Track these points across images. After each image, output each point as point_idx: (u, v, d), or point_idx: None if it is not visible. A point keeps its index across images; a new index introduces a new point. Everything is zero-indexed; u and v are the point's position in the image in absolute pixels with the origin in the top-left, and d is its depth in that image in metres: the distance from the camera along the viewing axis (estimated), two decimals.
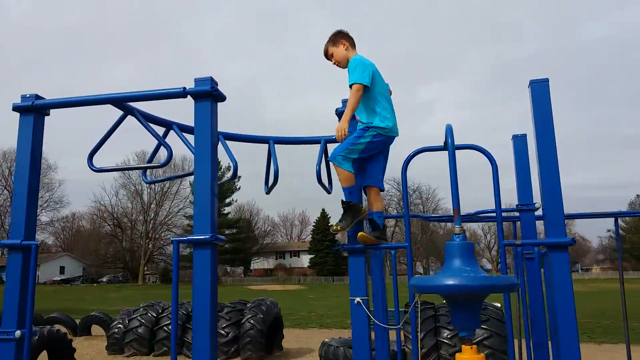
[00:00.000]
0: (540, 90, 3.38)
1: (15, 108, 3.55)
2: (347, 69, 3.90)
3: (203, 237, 3.15)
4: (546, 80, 3.37)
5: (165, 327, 11.25)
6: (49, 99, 3.56)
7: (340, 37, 4.01)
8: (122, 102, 3.57)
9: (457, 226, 2.73)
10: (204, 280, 3.14)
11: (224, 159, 4.08)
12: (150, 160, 4.03)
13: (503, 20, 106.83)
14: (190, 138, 3.57)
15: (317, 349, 13.00)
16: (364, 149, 3.74)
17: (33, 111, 3.54)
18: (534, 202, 4.44)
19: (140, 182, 72.93)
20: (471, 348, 2.60)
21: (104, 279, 71.54)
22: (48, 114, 3.62)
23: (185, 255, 72.36)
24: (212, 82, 3.33)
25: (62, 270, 73.00)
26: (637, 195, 76.96)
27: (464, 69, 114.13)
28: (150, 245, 71.27)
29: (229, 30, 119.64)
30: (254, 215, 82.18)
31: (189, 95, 3.36)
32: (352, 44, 4.04)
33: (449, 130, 3.03)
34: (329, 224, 79.75)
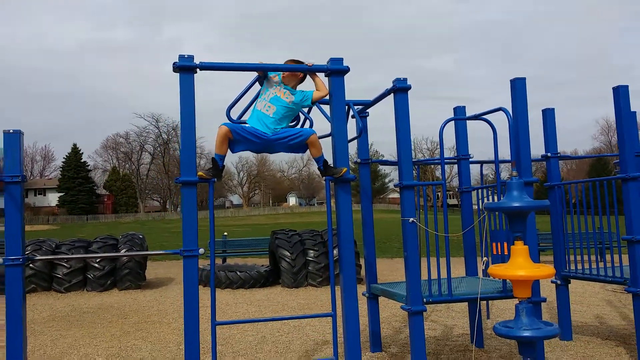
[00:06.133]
0: (520, 85, 5.40)
1: (177, 68, 4.18)
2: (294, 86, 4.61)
3: (347, 177, 4.46)
4: (524, 79, 5.42)
5: (30, 264, 10.90)
6: (211, 62, 4.27)
7: (305, 75, 4.64)
8: (265, 72, 4.52)
9: (514, 171, 4.63)
10: (346, 213, 4.47)
11: None
12: None
13: None
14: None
15: (171, 276, 13.98)
16: None
17: (191, 71, 4.24)
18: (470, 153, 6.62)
19: None
20: (522, 243, 4.54)
21: None
22: (196, 72, 4.32)
23: None
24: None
25: None
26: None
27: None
28: None
29: None
30: None
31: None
32: None
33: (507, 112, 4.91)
34: (82, 160, 74.75)
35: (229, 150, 4.42)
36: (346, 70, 4.49)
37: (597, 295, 10.09)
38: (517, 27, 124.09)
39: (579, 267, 6.58)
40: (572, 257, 6.76)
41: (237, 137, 4.33)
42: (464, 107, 6.68)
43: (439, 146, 5.54)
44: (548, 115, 6.92)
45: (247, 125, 4.51)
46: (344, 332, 4.41)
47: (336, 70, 4.49)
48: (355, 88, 6.24)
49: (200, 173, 4.21)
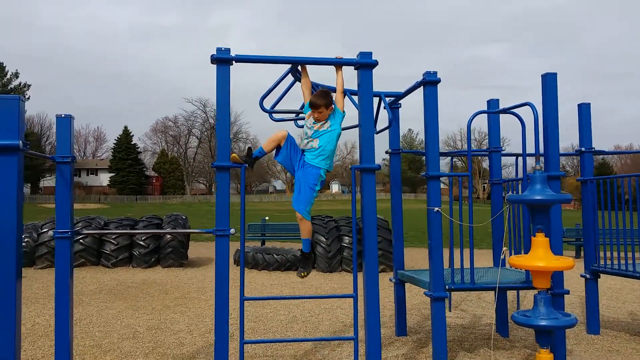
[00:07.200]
0: (550, 79, 5.44)
1: (214, 60, 4.44)
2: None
3: (371, 166, 4.64)
4: (555, 74, 5.45)
5: (81, 240, 11.52)
6: (246, 55, 4.51)
7: (332, 102, 4.78)
8: (297, 64, 4.75)
9: (537, 165, 4.72)
10: (370, 201, 4.66)
11: None
12: None
13: None
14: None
15: (212, 257, 14.46)
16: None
17: (228, 63, 4.50)
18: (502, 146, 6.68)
19: None
20: (543, 235, 4.63)
21: None
22: (232, 64, 4.58)
23: None
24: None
25: None
26: None
27: None
28: None
29: None
30: (46, 129, 75.12)
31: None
32: None
33: (533, 108, 4.99)
34: (132, 142, 77.18)
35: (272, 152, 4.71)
36: (374, 63, 4.64)
37: (635, 292, 9.94)
38: (575, 15, 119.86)
39: (608, 262, 6.58)
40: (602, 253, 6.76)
41: (286, 147, 4.63)
42: (497, 100, 6.73)
43: (486, 137, 5.62)
44: (583, 110, 6.88)
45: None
46: (365, 314, 4.62)
47: (365, 64, 4.65)
48: (400, 75, 6.27)
49: (233, 155, 4.43)
